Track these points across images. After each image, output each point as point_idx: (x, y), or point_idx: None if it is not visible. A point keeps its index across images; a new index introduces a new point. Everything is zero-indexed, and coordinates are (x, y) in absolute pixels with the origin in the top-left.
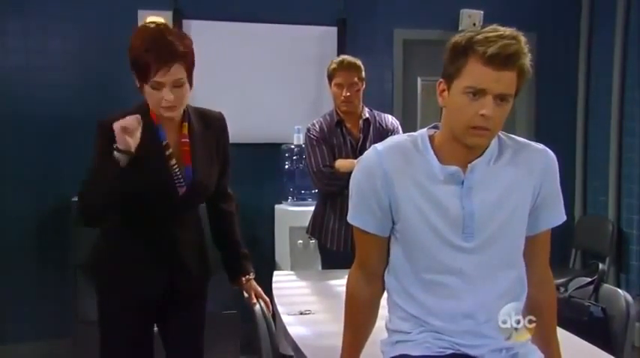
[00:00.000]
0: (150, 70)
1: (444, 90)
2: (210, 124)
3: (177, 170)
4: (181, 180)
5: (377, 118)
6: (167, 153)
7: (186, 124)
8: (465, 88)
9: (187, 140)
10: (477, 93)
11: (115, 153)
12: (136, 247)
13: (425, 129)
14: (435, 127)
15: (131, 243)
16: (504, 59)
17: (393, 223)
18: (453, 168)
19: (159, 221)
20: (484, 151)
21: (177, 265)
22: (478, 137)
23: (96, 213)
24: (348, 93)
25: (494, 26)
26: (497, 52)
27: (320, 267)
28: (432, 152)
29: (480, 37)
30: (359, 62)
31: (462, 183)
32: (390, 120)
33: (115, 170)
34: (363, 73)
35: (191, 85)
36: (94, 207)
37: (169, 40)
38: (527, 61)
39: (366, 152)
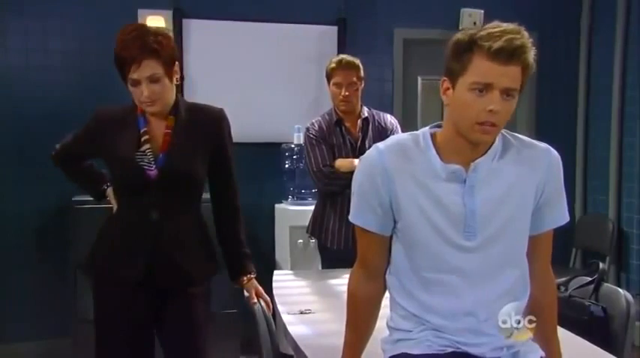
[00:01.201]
0: (124, 69)
1: (448, 89)
2: (201, 118)
3: (149, 154)
4: (151, 164)
5: (375, 117)
6: (142, 139)
7: (171, 117)
8: (471, 84)
9: (169, 131)
10: (484, 88)
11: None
12: (119, 234)
13: (427, 127)
14: (438, 126)
15: (118, 231)
16: (510, 53)
17: (395, 222)
18: (455, 166)
19: (144, 208)
20: (487, 149)
21: (162, 261)
22: (485, 133)
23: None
24: (347, 93)
25: (496, 22)
26: (503, 46)
27: (320, 267)
28: (434, 150)
29: (483, 33)
30: (357, 61)
31: (465, 181)
32: (389, 119)
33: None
34: (362, 72)
35: (171, 80)
36: (58, 166)
37: (141, 37)
38: (531, 55)
39: (367, 151)
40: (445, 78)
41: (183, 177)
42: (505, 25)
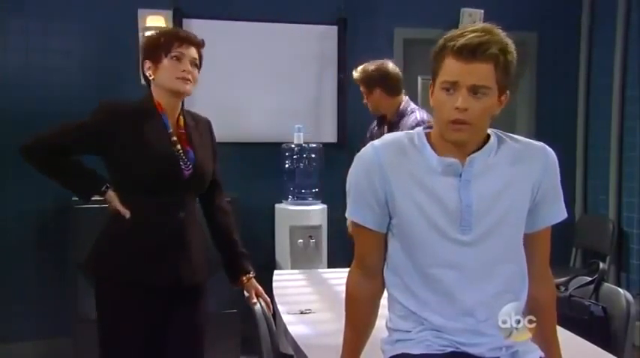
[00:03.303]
0: (173, 43)
1: (432, 91)
2: (199, 122)
3: (181, 154)
4: (187, 163)
5: (405, 115)
6: (172, 139)
7: (182, 118)
8: (441, 84)
9: (184, 130)
10: (451, 87)
11: (110, 191)
12: (144, 236)
13: (420, 128)
14: (430, 128)
15: (138, 232)
16: (472, 50)
17: (390, 218)
18: (452, 159)
19: (172, 208)
20: (482, 147)
21: (184, 259)
22: (457, 132)
23: (28, 159)
24: (365, 102)
25: (475, 23)
26: (465, 43)
27: (321, 266)
28: (429, 147)
29: (455, 33)
30: (357, 75)
31: (460, 175)
32: (412, 119)
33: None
34: (368, 84)
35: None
36: (31, 159)
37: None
38: (498, 50)
39: (363, 148)
40: (431, 81)
41: (208, 175)
42: (478, 25)
